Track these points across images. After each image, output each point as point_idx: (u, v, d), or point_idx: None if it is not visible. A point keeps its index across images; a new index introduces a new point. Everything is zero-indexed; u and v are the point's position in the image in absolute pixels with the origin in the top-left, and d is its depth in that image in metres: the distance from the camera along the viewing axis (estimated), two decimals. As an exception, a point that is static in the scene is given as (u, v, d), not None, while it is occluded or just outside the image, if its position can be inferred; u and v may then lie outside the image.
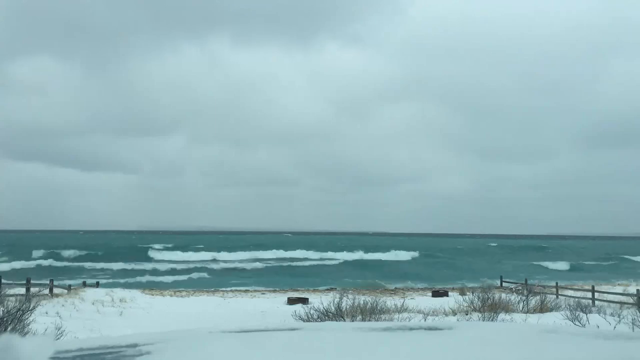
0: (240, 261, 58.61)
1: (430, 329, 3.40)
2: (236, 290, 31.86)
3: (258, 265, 56.48)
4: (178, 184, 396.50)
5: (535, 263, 61.60)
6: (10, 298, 15.61)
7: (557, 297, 24.71)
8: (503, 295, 18.69)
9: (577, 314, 12.02)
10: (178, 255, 63.07)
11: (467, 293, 20.60)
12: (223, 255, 62.77)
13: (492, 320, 13.41)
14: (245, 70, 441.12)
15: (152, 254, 64.33)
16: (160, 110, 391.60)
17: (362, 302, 13.96)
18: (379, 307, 13.68)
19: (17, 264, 49.74)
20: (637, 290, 21.75)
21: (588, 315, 12.15)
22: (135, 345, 2.73)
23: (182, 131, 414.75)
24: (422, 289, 34.47)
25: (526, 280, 28.34)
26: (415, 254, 69.30)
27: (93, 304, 20.90)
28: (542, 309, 17.67)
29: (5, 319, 10.11)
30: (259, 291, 31.85)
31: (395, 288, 35.51)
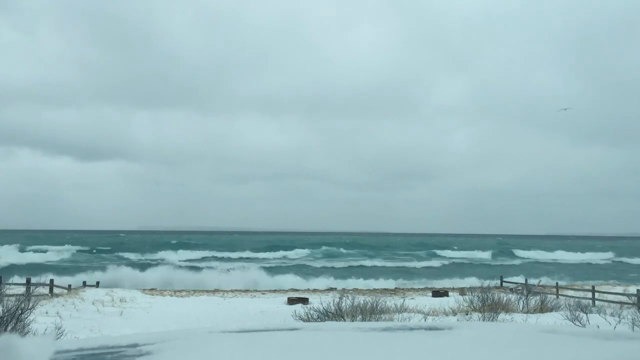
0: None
1: (430, 329, 3.40)
2: (236, 290, 31.85)
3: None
4: (185, 178, 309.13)
5: None
6: (10, 298, 15.60)
7: (557, 297, 24.75)
8: (503, 295, 18.69)
9: (577, 314, 12.00)
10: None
11: (467, 293, 20.59)
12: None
13: (492, 320, 13.41)
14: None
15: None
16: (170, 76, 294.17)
17: (362, 302, 13.94)
18: (379, 307, 13.66)
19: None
20: (637, 290, 21.77)
21: (588, 315, 12.13)
22: (135, 345, 2.73)
23: (189, 104, 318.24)
24: (422, 289, 34.44)
25: (526, 280, 28.34)
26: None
27: (93, 303, 20.92)
28: (542, 309, 17.66)
29: (5, 318, 10.10)
30: (259, 291, 31.84)
31: (396, 288, 35.48)
